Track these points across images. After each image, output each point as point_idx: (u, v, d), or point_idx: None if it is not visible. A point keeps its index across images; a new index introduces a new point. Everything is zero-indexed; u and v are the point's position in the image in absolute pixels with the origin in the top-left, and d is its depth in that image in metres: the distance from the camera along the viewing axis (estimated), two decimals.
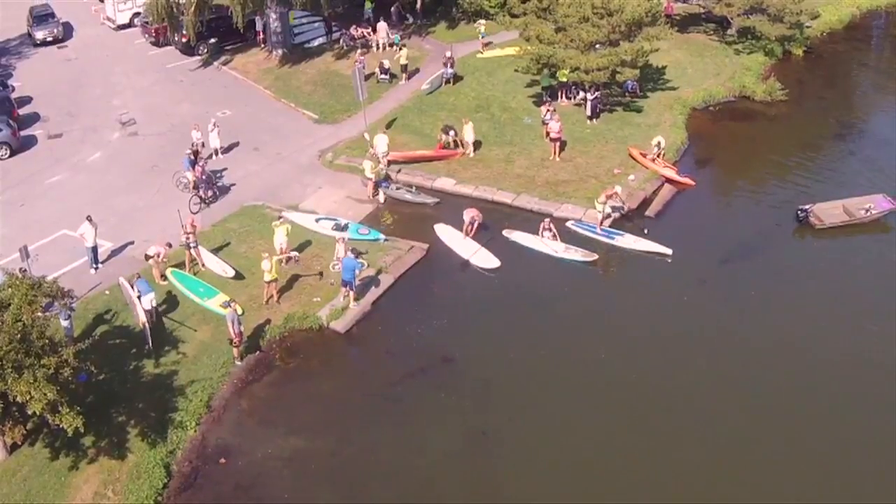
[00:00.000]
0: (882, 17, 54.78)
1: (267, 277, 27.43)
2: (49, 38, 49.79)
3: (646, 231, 30.68)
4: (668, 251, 29.63)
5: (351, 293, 27.74)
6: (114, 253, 30.51)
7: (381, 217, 33.13)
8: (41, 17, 50.75)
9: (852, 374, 24.79)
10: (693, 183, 34.53)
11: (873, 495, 21.11)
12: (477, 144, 36.56)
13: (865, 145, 38.42)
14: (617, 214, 31.73)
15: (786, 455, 22.13)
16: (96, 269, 29.45)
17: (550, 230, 30.58)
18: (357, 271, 27.48)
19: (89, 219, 29.03)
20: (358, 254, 29.43)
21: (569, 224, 31.65)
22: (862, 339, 26.02)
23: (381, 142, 35.20)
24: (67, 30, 51.38)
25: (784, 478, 21.51)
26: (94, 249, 29.37)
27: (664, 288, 28.57)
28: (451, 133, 36.46)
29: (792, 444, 22.51)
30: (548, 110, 37.29)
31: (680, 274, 29.15)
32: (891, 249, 30.36)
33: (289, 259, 28.46)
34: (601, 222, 30.91)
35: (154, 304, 26.68)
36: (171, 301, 27.97)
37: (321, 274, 29.18)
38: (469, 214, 31.21)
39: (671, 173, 34.69)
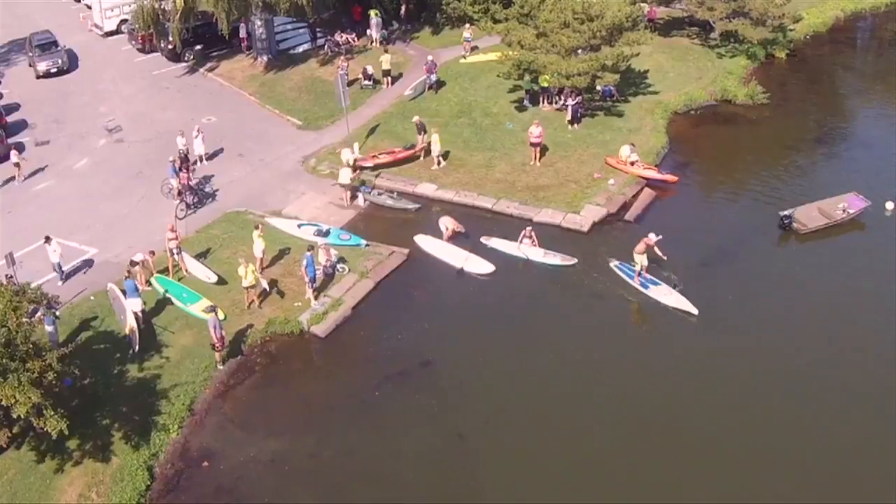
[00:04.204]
0: (866, 20, 54.84)
1: (245, 283, 27.86)
2: (53, 70, 46.15)
3: (678, 287, 28.67)
4: (695, 311, 27.58)
5: (310, 289, 28.28)
6: (99, 259, 30.83)
7: (362, 222, 33.37)
8: (43, 45, 46.76)
9: (856, 375, 25.07)
10: (676, 179, 34.78)
11: (862, 496, 21.31)
12: (446, 155, 36.36)
13: (845, 147, 38.64)
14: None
15: (771, 458, 22.35)
16: (63, 282, 29.35)
17: (531, 238, 30.76)
18: (315, 268, 28.13)
19: (48, 239, 29.05)
20: (339, 258, 29.96)
21: (611, 264, 30.02)
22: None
23: (346, 153, 35.17)
24: (72, 59, 47.91)
25: (764, 483, 21.78)
26: (59, 265, 29.28)
27: (647, 295, 28.70)
28: (423, 135, 36.52)
29: (781, 448, 22.72)
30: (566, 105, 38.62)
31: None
32: (881, 249, 30.47)
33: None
34: (638, 272, 28.95)
35: (143, 307, 27.14)
36: (154, 306, 28.28)
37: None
38: (445, 224, 31.58)
39: (652, 174, 34.99)
